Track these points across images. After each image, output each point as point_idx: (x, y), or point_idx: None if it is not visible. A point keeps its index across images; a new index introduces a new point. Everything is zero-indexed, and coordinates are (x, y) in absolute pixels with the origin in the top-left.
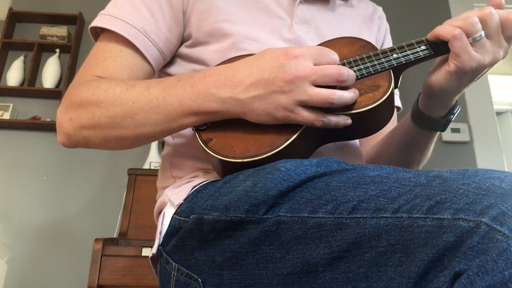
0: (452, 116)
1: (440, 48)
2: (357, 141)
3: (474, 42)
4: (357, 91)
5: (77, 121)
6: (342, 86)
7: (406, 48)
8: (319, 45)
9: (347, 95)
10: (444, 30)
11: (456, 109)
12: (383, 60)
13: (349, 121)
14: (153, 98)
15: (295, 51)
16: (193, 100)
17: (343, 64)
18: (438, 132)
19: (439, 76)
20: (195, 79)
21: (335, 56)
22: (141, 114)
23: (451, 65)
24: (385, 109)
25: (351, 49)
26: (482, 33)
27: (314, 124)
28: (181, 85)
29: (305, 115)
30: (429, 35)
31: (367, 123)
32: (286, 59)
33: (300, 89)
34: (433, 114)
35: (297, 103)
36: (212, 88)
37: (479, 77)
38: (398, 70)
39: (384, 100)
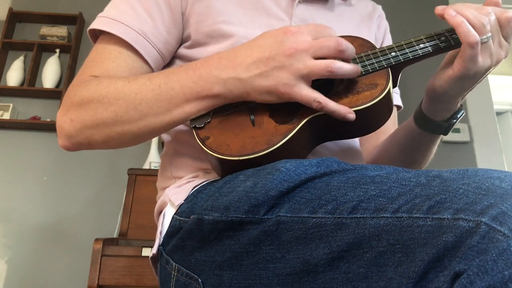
0: (455, 120)
1: (439, 46)
2: (357, 143)
3: (481, 43)
4: (359, 67)
5: (78, 121)
6: (344, 59)
7: (404, 46)
8: None
9: (348, 66)
10: (463, 30)
11: (460, 113)
12: (381, 58)
13: (352, 115)
14: (156, 86)
15: (293, 28)
16: (195, 82)
17: None
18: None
19: (442, 80)
20: (197, 63)
21: (332, 31)
22: (143, 104)
23: (455, 70)
24: (383, 108)
25: None
26: (489, 34)
27: (312, 104)
28: (183, 70)
29: (305, 93)
30: (450, 19)
31: (365, 121)
32: (285, 36)
33: (300, 62)
34: (436, 117)
35: (299, 78)
36: (214, 70)
37: (483, 79)
38: (397, 68)
39: (382, 98)
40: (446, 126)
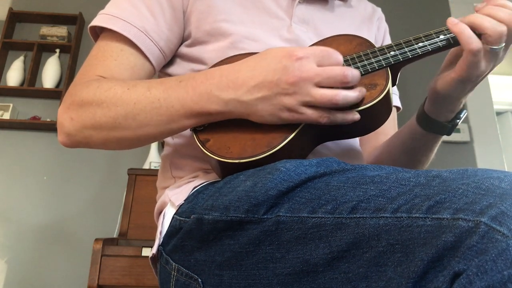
0: (458, 120)
1: (439, 45)
2: (358, 143)
3: (491, 51)
4: (363, 90)
5: (78, 121)
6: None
7: (403, 45)
8: (317, 43)
9: (352, 95)
10: (465, 38)
11: (463, 113)
12: (380, 58)
13: (357, 116)
14: (155, 99)
15: (299, 53)
16: (196, 102)
17: None
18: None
19: (444, 83)
20: (196, 80)
21: (339, 57)
22: (142, 115)
23: (457, 74)
24: (383, 108)
25: (349, 47)
26: (503, 45)
27: (319, 121)
28: (183, 86)
29: (310, 113)
30: (452, 27)
31: (365, 121)
32: (289, 61)
33: (304, 90)
34: (440, 118)
35: (301, 104)
36: (215, 90)
37: (483, 79)
38: (396, 67)
39: (382, 98)
40: (450, 127)
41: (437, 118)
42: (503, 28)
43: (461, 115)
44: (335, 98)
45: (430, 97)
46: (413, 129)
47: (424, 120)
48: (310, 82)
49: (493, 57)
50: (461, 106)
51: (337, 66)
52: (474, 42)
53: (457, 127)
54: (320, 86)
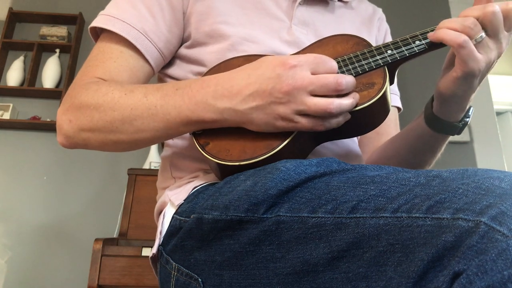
0: (468, 119)
1: (435, 42)
2: (357, 146)
3: (476, 43)
4: (357, 96)
5: (76, 123)
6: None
7: (400, 44)
8: (315, 43)
9: (346, 103)
10: (449, 36)
11: (471, 111)
12: (377, 57)
13: (348, 116)
14: (152, 105)
15: (293, 61)
16: (192, 110)
17: (338, 62)
18: None
19: (448, 83)
20: (193, 89)
21: (333, 64)
22: (139, 120)
23: (458, 71)
24: (381, 107)
25: (346, 47)
26: (483, 33)
27: (316, 129)
28: (179, 94)
29: (305, 123)
30: (432, 37)
31: (363, 121)
32: (283, 70)
33: (297, 99)
34: (450, 118)
35: (296, 113)
36: (210, 99)
37: (488, 73)
38: (394, 66)
39: (379, 98)
40: (460, 126)
41: (447, 119)
42: (470, 20)
43: (470, 113)
44: (329, 107)
45: (437, 99)
46: (421, 130)
47: (434, 122)
48: (303, 91)
49: (483, 46)
50: (470, 104)
51: (331, 74)
52: (456, 37)
53: None
54: (314, 94)
